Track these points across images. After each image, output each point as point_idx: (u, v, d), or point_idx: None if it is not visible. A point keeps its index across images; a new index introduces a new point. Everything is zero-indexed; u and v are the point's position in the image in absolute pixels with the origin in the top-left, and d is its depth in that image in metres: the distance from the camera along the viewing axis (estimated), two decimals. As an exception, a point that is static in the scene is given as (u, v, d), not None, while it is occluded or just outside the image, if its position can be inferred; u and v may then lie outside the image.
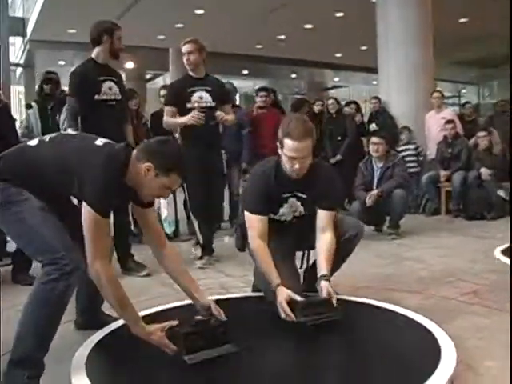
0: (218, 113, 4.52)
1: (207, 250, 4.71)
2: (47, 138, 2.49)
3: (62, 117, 5.17)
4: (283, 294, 2.77)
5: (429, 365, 2.20)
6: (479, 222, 6.50)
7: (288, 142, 2.81)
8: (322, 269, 2.91)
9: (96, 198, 2.25)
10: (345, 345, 2.63)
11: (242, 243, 3.30)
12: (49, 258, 2.23)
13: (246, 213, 3.02)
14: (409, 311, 2.92)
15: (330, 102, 8.05)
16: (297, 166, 2.85)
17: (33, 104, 5.64)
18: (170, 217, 5.83)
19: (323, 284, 2.84)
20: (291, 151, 2.82)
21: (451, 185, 7.01)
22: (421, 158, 7.84)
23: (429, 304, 3.29)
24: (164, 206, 5.67)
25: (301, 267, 3.35)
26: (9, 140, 4.76)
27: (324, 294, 2.79)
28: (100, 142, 2.44)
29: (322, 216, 3.04)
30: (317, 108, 8.04)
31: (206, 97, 4.57)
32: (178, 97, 4.60)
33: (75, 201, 2.55)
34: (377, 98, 8.47)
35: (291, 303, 2.73)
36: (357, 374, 2.26)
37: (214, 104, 4.56)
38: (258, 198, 2.99)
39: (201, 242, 4.69)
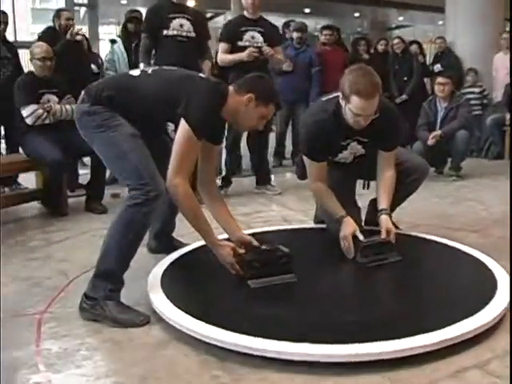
0: (266, 48, 4.68)
1: (227, 181, 5.07)
2: (149, 69, 2.62)
3: None
4: (350, 226, 2.86)
5: (485, 296, 2.28)
6: (543, 168, 6.38)
7: (356, 99, 2.66)
8: (382, 203, 2.97)
9: (199, 119, 2.41)
10: (402, 275, 2.72)
11: (302, 173, 3.35)
12: (135, 183, 2.39)
13: (305, 158, 3.06)
14: (468, 248, 2.98)
15: (396, 41, 7.87)
16: (362, 122, 2.77)
17: (117, 39, 5.81)
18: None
19: (383, 218, 2.91)
20: (359, 109, 2.70)
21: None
22: (485, 101, 7.66)
23: (488, 243, 3.34)
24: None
25: (363, 188, 3.46)
26: (84, 72, 5.00)
27: (383, 229, 2.85)
28: (201, 74, 2.62)
29: (384, 156, 3.04)
30: (381, 47, 7.89)
31: (258, 37, 4.75)
32: (231, 34, 4.76)
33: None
34: (442, 38, 8.24)
35: (353, 241, 2.82)
36: (413, 301, 2.36)
37: (265, 45, 4.74)
38: (316, 145, 2.96)
39: (223, 173, 5.13)
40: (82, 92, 2.60)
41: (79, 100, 2.58)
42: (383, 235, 2.83)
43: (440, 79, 5.82)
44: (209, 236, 2.56)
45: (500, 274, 2.55)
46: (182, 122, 2.41)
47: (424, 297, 2.42)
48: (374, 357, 1.88)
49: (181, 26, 4.43)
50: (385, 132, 2.93)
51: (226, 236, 2.76)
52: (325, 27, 7.09)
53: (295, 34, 6.50)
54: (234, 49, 4.74)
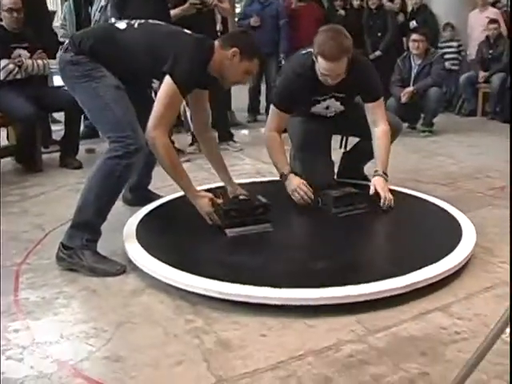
0: None
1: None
2: (135, 23, 2.59)
3: (94, 8, 5.34)
4: (295, 180, 2.93)
5: (450, 245, 2.37)
6: (515, 125, 6.48)
7: (322, 61, 2.74)
8: (377, 164, 3.02)
9: (184, 76, 2.42)
10: (372, 224, 2.81)
11: None
12: (116, 136, 2.41)
13: (272, 105, 3.09)
14: (437, 199, 3.07)
15: (371, -4, 7.83)
16: (329, 81, 2.84)
17: None
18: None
19: (374, 179, 2.95)
20: (324, 70, 2.78)
21: (489, 86, 6.93)
22: (461, 57, 7.70)
23: (456, 195, 3.45)
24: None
25: (340, 147, 3.52)
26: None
27: (372, 190, 2.90)
28: (186, 30, 2.62)
29: (371, 108, 3.04)
30: (356, 3, 7.83)
31: None
32: None
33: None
34: (418, -7, 8.20)
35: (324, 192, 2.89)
36: (382, 248, 2.45)
37: None
38: (287, 95, 2.99)
39: (191, 129, 4.95)
40: (66, 41, 2.59)
41: (62, 49, 2.56)
42: (371, 191, 2.89)
43: (415, 36, 5.84)
44: (187, 187, 2.60)
45: (466, 224, 2.64)
46: (167, 78, 2.42)
47: (392, 244, 2.52)
48: (342, 300, 1.96)
49: None
50: (360, 85, 2.98)
51: (204, 187, 2.80)
52: (301, -18, 7.00)
53: None
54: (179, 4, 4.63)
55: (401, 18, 8.01)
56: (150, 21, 2.67)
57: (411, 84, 5.78)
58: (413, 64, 5.86)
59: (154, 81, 2.72)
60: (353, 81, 2.91)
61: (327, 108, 3.15)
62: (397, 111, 5.32)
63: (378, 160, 3.02)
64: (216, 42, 2.57)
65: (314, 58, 2.83)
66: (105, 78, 2.46)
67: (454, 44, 7.65)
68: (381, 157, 3.01)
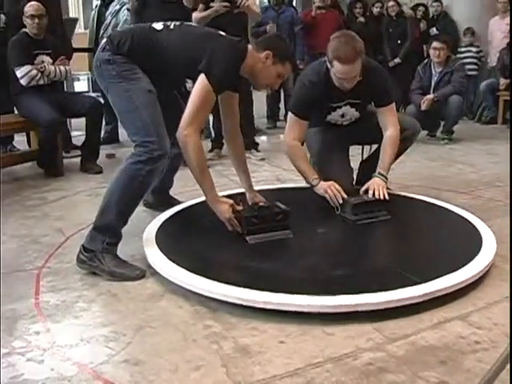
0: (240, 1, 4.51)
1: (218, 142, 5.04)
2: (171, 24, 2.61)
3: (108, 12, 5.67)
4: (325, 183, 2.96)
5: (470, 253, 2.36)
6: (536, 133, 6.43)
7: (337, 64, 2.83)
8: (379, 165, 3.07)
9: (219, 73, 2.43)
10: (391, 232, 2.80)
11: None
12: (141, 140, 2.42)
13: (290, 114, 3.14)
14: (456, 207, 3.06)
15: (391, 3, 7.79)
16: (346, 84, 2.93)
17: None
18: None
19: (372, 179, 3.01)
20: (340, 73, 2.87)
21: (510, 94, 6.87)
22: (481, 63, 7.66)
23: (476, 204, 3.42)
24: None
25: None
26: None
27: (370, 193, 2.93)
28: (221, 32, 2.65)
29: (382, 113, 3.12)
30: (376, 10, 7.83)
31: None
32: None
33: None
34: (439, 1, 8.16)
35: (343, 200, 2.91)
36: (401, 256, 2.44)
37: None
38: (304, 102, 3.07)
39: (212, 136, 5.18)
40: (104, 40, 2.62)
41: (100, 47, 2.58)
42: (370, 194, 2.92)
43: (435, 44, 5.79)
44: (210, 191, 2.59)
45: (486, 232, 2.62)
46: (202, 77, 2.43)
47: (411, 252, 2.49)
48: (361, 307, 1.95)
49: None
50: (374, 89, 3.06)
51: (224, 193, 2.81)
52: (321, -10, 7.02)
53: None
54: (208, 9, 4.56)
55: (423, 25, 7.99)
56: (186, 22, 2.70)
57: (431, 92, 5.75)
58: (433, 72, 5.83)
59: (188, 81, 2.73)
60: (366, 85, 2.99)
61: (343, 116, 3.21)
62: (417, 119, 5.31)
63: (380, 162, 3.09)
64: (250, 45, 2.61)
65: (329, 65, 2.91)
66: (139, 81, 2.49)
67: (473, 50, 7.61)
68: (383, 159, 3.09)
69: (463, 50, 7.58)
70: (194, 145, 2.46)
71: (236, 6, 4.54)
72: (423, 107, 5.61)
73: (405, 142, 3.26)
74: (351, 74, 2.86)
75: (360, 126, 3.26)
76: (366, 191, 2.96)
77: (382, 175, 3.03)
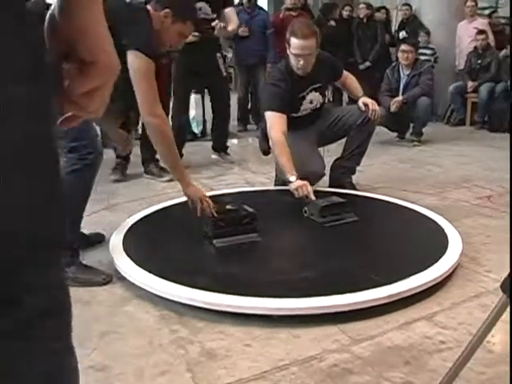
0: (216, 24, 4.48)
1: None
2: None
3: None
4: (300, 182, 2.99)
5: (437, 254, 2.38)
6: (502, 135, 6.51)
7: (294, 40, 3.15)
8: (359, 92, 3.57)
9: (145, 41, 2.37)
10: (358, 234, 2.80)
11: (264, 147, 3.52)
12: (70, 146, 2.23)
13: (267, 113, 3.24)
14: (423, 209, 3.09)
15: (361, 6, 7.88)
16: (301, 62, 3.17)
17: None
18: (197, 117, 5.99)
19: (363, 98, 3.48)
20: (296, 49, 3.14)
21: (478, 96, 6.99)
22: (435, 64, 7.71)
23: (443, 204, 3.46)
24: (192, 107, 5.79)
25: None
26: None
27: (361, 106, 3.45)
28: None
29: (344, 79, 3.63)
30: (345, 13, 7.88)
31: (205, 8, 4.51)
32: None
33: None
34: (408, 4, 8.25)
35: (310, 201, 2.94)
36: (368, 258, 2.45)
37: (214, 16, 4.53)
38: (278, 98, 3.24)
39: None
40: None
41: None
42: (366, 111, 3.41)
43: (404, 47, 5.87)
44: (184, 178, 2.55)
45: (452, 233, 2.66)
46: (132, 53, 2.34)
47: (378, 254, 2.51)
48: (327, 309, 1.96)
49: None
50: (326, 68, 3.44)
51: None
52: (290, -9, 7.05)
53: None
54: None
55: (389, 29, 8.08)
56: None
57: (400, 94, 5.82)
58: (402, 74, 5.90)
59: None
60: (319, 68, 3.34)
61: (311, 102, 3.46)
62: (386, 121, 5.38)
63: (357, 91, 3.59)
64: (149, 5, 2.53)
65: (288, 49, 3.21)
66: None
67: (428, 52, 7.65)
68: (357, 87, 3.60)
69: (419, 51, 7.60)
70: (157, 127, 2.40)
71: (212, 31, 4.49)
72: (392, 109, 5.67)
73: (367, 125, 3.53)
74: (306, 50, 3.14)
75: (323, 122, 3.55)
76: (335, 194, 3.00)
77: (362, 95, 3.52)
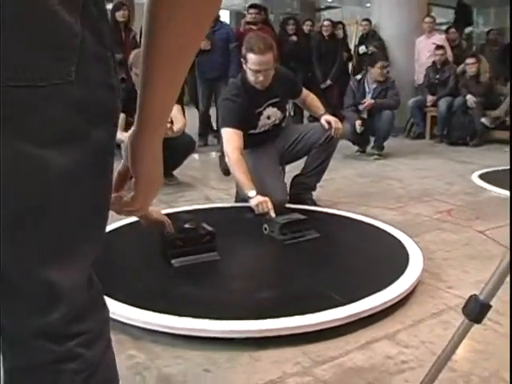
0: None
1: None
2: None
3: None
4: (260, 197, 2.96)
5: (397, 271, 2.37)
6: (461, 148, 6.64)
7: (251, 56, 3.10)
8: (321, 110, 3.58)
9: None
10: (318, 252, 2.76)
11: (227, 166, 3.44)
12: None
13: (222, 129, 3.19)
14: (383, 224, 3.09)
15: (326, 23, 7.89)
16: (261, 78, 3.14)
17: None
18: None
19: (325, 117, 3.46)
20: (254, 64, 3.10)
21: (437, 110, 7.09)
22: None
23: (404, 219, 3.47)
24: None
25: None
26: None
27: (324, 123, 3.43)
28: None
29: (303, 97, 3.62)
30: (306, 28, 7.93)
31: None
32: None
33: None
34: (368, 20, 8.36)
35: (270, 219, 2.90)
36: (328, 277, 2.41)
37: None
38: (234, 114, 3.18)
39: None
40: None
41: None
42: (329, 129, 3.39)
43: (381, 63, 5.85)
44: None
45: (413, 249, 2.65)
46: None
47: (338, 272, 2.48)
48: (287, 331, 1.92)
49: None
50: (285, 84, 3.40)
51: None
52: (251, 6, 7.06)
53: None
54: None
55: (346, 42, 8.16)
56: None
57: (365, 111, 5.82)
58: (367, 88, 5.91)
59: None
60: (277, 83, 3.31)
61: (269, 118, 3.39)
62: (350, 136, 5.40)
63: (318, 109, 3.60)
64: None
65: (244, 64, 3.16)
66: None
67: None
68: (318, 105, 3.62)
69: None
70: None
71: None
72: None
73: (330, 142, 3.50)
74: (264, 66, 3.10)
75: (285, 141, 3.51)
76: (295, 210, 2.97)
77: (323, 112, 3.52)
